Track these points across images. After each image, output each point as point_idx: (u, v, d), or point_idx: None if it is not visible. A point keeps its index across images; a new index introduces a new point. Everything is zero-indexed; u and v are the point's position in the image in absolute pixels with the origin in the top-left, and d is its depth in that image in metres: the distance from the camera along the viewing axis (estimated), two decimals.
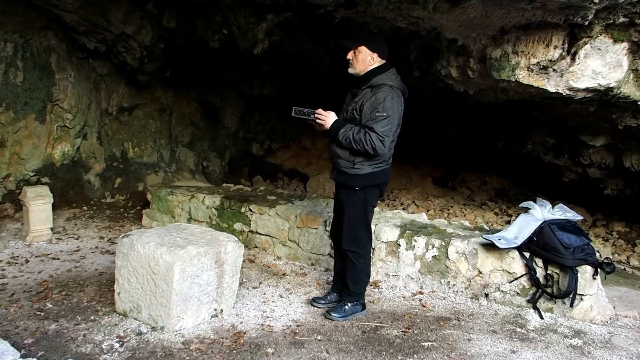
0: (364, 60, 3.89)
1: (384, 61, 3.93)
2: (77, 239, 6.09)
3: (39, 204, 5.83)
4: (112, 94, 7.89)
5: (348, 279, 4.19)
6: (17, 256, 5.42)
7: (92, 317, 4.08)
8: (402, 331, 4.00)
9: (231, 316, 4.14)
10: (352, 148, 3.84)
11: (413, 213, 6.29)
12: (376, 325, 4.09)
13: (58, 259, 5.41)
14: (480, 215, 8.36)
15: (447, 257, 4.63)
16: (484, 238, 4.52)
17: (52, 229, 6.03)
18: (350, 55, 3.94)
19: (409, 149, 9.58)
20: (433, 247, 4.69)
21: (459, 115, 8.39)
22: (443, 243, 4.66)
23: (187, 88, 8.47)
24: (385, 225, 4.95)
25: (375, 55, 3.89)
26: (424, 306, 4.45)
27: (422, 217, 5.29)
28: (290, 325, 4.05)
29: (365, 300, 4.49)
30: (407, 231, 4.85)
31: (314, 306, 4.37)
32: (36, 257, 5.43)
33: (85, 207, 7.18)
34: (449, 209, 8.73)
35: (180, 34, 6.40)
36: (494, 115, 7.78)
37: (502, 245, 4.32)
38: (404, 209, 8.40)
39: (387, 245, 4.88)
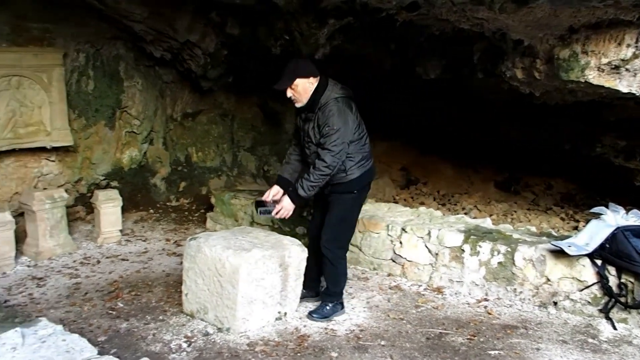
0: (305, 89, 3.96)
1: (318, 77, 3.99)
2: (144, 241, 6.28)
3: (109, 207, 6.05)
4: (177, 100, 8.09)
5: (327, 280, 4.31)
6: (89, 257, 5.65)
7: (160, 317, 4.20)
8: (467, 338, 3.94)
9: (294, 319, 4.18)
10: (321, 184, 3.95)
11: (475, 218, 6.18)
12: (440, 332, 4.04)
13: (127, 260, 5.60)
14: (545, 221, 8.11)
15: (514, 264, 4.52)
16: (552, 244, 4.39)
17: (121, 231, 6.24)
18: (290, 93, 4.00)
19: (470, 153, 9.41)
20: (499, 253, 4.59)
21: (523, 118, 8.19)
22: (509, 249, 4.55)
23: (248, 93, 8.59)
24: (449, 230, 4.88)
25: (311, 78, 3.96)
26: (489, 313, 4.37)
27: (487, 222, 5.18)
28: (354, 330, 4.05)
29: (429, 306, 4.47)
30: (472, 236, 4.76)
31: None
32: (107, 258, 5.64)
33: (151, 210, 7.39)
34: (513, 214, 8.50)
35: (243, 40, 6.49)
36: (560, 117, 7.55)
37: (572, 252, 4.18)
38: (465, 213, 8.24)
39: (450, 251, 4.81)
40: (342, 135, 3.85)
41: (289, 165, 4.33)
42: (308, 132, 4.03)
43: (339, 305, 4.31)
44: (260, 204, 4.16)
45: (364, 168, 4.10)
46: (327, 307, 4.25)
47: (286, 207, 4.01)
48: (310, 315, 4.23)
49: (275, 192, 4.21)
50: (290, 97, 4.01)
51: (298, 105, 4.04)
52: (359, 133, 4.04)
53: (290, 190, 4.05)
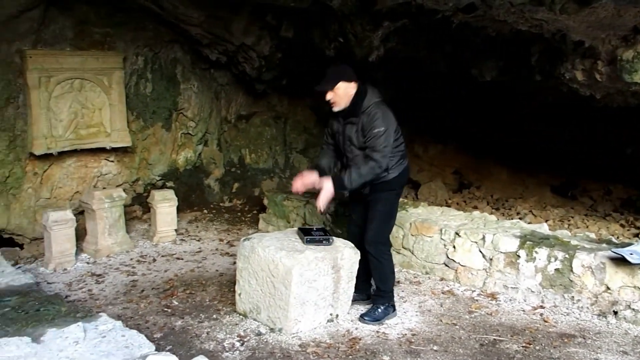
0: (346, 93, 3.99)
1: (357, 83, 4.02)
2: (198, 240, 6.40)
3: (165, 207, 6.19)
4: (231, 103, 8.23)
5: (376, 279, 4.31)
6: (145, 255, 5.79)
7: (214, 316, 4.27)
8: (522, 346, 3.85)
9: (346, 322, 4.18)
10: (367, 181, 3.97)
11: (531, 223, 6.04)
12: (494, 339, 3.96)
13: (182, 259, 5.71)
14: (604, 227, 7.85)
15: (572, 271, 4.39)
16: (612, 252, 4.24)
17: (176, 230, 6.37)
18: (330, 96, 4.00)
19: (525, 156, 9.21)
20: (556, 259, 4.47)
21: (582, 120, 7.97)
22: (567, 255, 4.42)
23: (301, 96, 8.65)
24: (504, 235, 4.78)
25: (353, 82, 3.99)
26: (545, 321, 4.25)
27: (544, 228, 5.05)
28: (406, 334, 4.02)
29: (483, 312, 4.40)
30: (528, 242, 4.65)
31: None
32: (162, 256, 5.78)
33: (205, 211, 7.53)
34: (570, 220, 8.26)
35: (297, 43, 6.54)
36: (621, 120, 7.32)
37: (634, 260, 4.03)
38: (520, 218, 8.07)
39: (505, 256, 4.71)
40: (388, 135, 3.93)
41: (326, 156, 4.34)
42: (350, 137, 4.07)
43: (391, 308, 4.29)
44: (306, 232, 4.21)
45: (402, 166, 4.20)
46: (379, 310, 4.23)
47: (328, 189, 3.98)
48: (362, 318, 4.22)
49: (311, 179, 4.16)
50: (329, 100, 4.03)
51: (336, 108, 4.06)
52: (397, 134, 4.11)
53: (335, 176, 4.05)
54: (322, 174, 4.20)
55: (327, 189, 3.99)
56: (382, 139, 3.89)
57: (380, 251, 4.20)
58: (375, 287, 4.37)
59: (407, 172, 4.33)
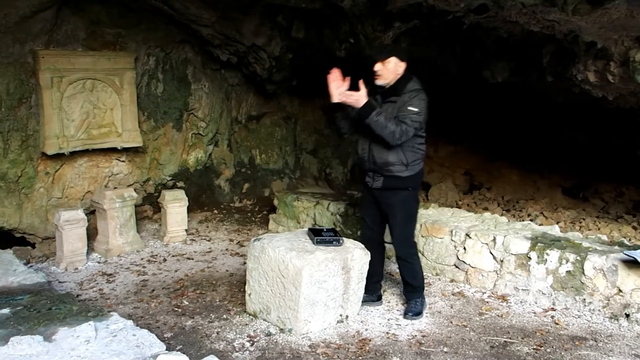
0: (395, 70, 4.03)
1: (406, 65, 4.07)
2: (208, 240, 6.41)
3: (176, 207, 6.21)
4: (242, 103, 8.24)
5: (407, 277, 4.38)
6: (156, 255, 5.82)
7: (224, 316, 4.29)
8: (533, 348, 3.83)
9: (356, 322, 4.18)
10: (376, 133, 3.92)
11: (542, 225, 6.00)
12: (505, 341, 3.95)
13: (192, 259, 5.73)
14: (616, 229, 7.80)
15: (583, 273, 4.36)
16: (625, 254, 4.21)
17: (186, 230, 6.40)
18: (378, 67, 4.02)
19: (536, 157, 9.16)
20: (567, 261, 4.44)
21: (593, 122, 7.92)
22: (578, 258, 4.40)
23: (312, 97, 8.65)
24: (515, 237, 4.76)
25: (403, 63, 4.04)
26: (556, 323, 4.23)
27: (555, 230, 5.02)
28: (416, 335, 4.01)
29: (493, 314, 4.41)
30: (539, 244, 4.63)
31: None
32: (172, 256, 5.80)
33: (215, 211, 7.55)
34: (581, 222, 8.21)
35: (308, 44, 6.55)
36: (634, 121, 7.26)
37: None
38: (531, 220, 8.03)
39: (516, 258, 4.69)
40: (418, 117, 3.97)
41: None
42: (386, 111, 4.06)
43: (424, 298, 4.44)
44: (316, 233, 4.23)
45: (419, 167, 4.22)
46: (418, 303, 4.34)
47: (359, 99, 3.89)
48: (405, 316, 4.30)
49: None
50: (375, 71, 4.04)
51: (379, 81, 4.06)
52: (423, 130, 4.14)
53: (370, 102, 3.92)
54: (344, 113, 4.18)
55: (359, 99, 3.90)
56: (414, 116, 3.94)
57: (408, 253, 4.30)
58: (406, 284, 4.42)
59: (422, 175, 4.34)
